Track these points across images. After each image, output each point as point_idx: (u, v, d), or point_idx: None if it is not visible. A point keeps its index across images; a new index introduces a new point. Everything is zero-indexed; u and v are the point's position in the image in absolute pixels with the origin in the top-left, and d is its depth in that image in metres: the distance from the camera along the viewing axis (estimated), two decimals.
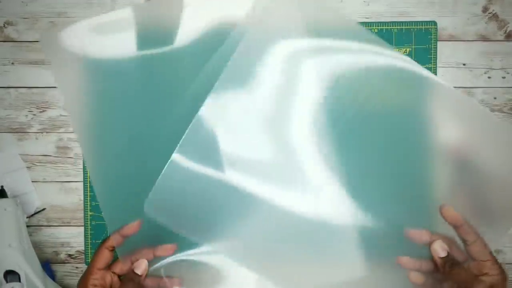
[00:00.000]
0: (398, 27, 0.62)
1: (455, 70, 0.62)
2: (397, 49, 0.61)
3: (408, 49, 0.62)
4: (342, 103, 0.56)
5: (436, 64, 0.62)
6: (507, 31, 0.62)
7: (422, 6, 0.62)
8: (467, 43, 0.62)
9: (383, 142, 0.57)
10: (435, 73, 0.62)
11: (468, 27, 0.62)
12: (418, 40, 0.62)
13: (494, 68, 0.62)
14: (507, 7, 0.62)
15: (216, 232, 0.55)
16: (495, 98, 0.62)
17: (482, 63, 0.62)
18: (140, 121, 0.58)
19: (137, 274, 0.53)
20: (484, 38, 0.62)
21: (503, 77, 0.62)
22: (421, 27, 0.62)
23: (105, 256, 0.53)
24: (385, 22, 0.62)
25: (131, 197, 0.56)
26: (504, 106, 0.62)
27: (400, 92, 0.57)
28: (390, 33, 0.62)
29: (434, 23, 0.62)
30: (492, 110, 0.62)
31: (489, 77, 0.62)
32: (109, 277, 0.53)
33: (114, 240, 0.53)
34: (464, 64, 0.62)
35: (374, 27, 0.62)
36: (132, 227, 0.53)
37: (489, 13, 0.62)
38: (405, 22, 0.62)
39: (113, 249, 0.53)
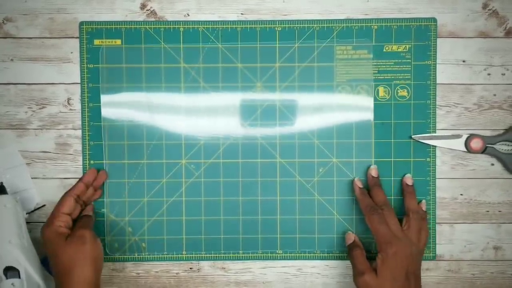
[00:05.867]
0: (398, 23, 0.61)
1: (454, 66, 0.62)
2: (397, 45, 0.61)
3: (407, 46, 0.61)
4: None
5: (435, 61, 0.62)
6: (507, 28, 0.62)
7: (422, 2, 0.62)
8: (467, 40, 0.62)
9: None
10: (434, 70, 0.62)
11: (468, 23, 0.62)
12: (417, 36, 0.61)
13: (494, 65, 0.62)
14: (507, 4, 0.61)
15: None
16: (494, 95, 0.62)
17: (481, 60, 0.62)
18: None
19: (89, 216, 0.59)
20: (484, 35, 0.62)
21: (503, 74, 0.62)
22: (420, 23, 0.61)
23: (69, 203, 0.58)
24: (385, 19, 0.62)
25: None
26: (504, 103, 0.62)
27: None
28: (390, 30, 0.61)
29: (434, 19, 0.61)
30: (492, 107, 0.62)
31: (488, 74, 0.62)
32: (70, 222, 0.58)
33: (78, 188, 0.59)
34: (463, 61, 0.62)
35: (373, 24, 0.61)
36: (91, 174, 0.60)
37: (489, 9, 0.62)
38: (404, 18, 0.61)
39: (77, 197, 0.59)
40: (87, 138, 0.62)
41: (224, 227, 0.62)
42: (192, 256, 0.63)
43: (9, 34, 0.62)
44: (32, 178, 0.63)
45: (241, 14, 0.62)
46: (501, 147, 0.61)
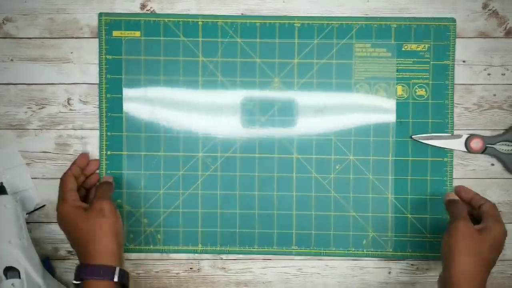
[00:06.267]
0: (417, 23, 0.61)
1: (454, 67, 0.62)
2: (416, 45, 0.61)
3: (426, 45, 0.61)
4: None
5: (454, 61, 0.61)
6: (507, 28, 0.62)
7: (422, 2, 0.62)
8: (467, 40, 0.62)
9: None
10: (452, 70, 0.61)
11: (468, 23, 0.62)
12: (436, 36, 0.61)
13: (494, 65, 0.62)
14: (507, 4, 0.61)
15: None
16: (494, 95, 0.62)
17: (482, 60, 0.62)
18: None
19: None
20: (484, 35, 0.62)
21: (503, 74, 0.62)
22: (440, 23, 0.61)
23: (71, 179, 0.58)
24: (403, 18, 0.61)
25: None
26: (504, 103, 0.62)
27: None
28: (409, 29, 0.61)
29: (453, 19, 0.61)
30: (492, 107, 0.62)
31: (488, 74, 0.62)
32: (78, 198, 0.58)
33: (73, 169, 0.60)
34: (463, 61, 0.62)
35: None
36: (83, 158, 0.61)
37: (489, 9, 0.62)
38: (424, 18, 0.61)
39: (74, 177, 0.59)
40: (104, 129, 0.62)
41: (240, 220, 0.62)
42: (208, 249, 0.62)
43: (9, 34, 0.62)
44: (32, 178, 0.63)
45: (242, 14, 0.62)
46: (501, 147, 0.61)
